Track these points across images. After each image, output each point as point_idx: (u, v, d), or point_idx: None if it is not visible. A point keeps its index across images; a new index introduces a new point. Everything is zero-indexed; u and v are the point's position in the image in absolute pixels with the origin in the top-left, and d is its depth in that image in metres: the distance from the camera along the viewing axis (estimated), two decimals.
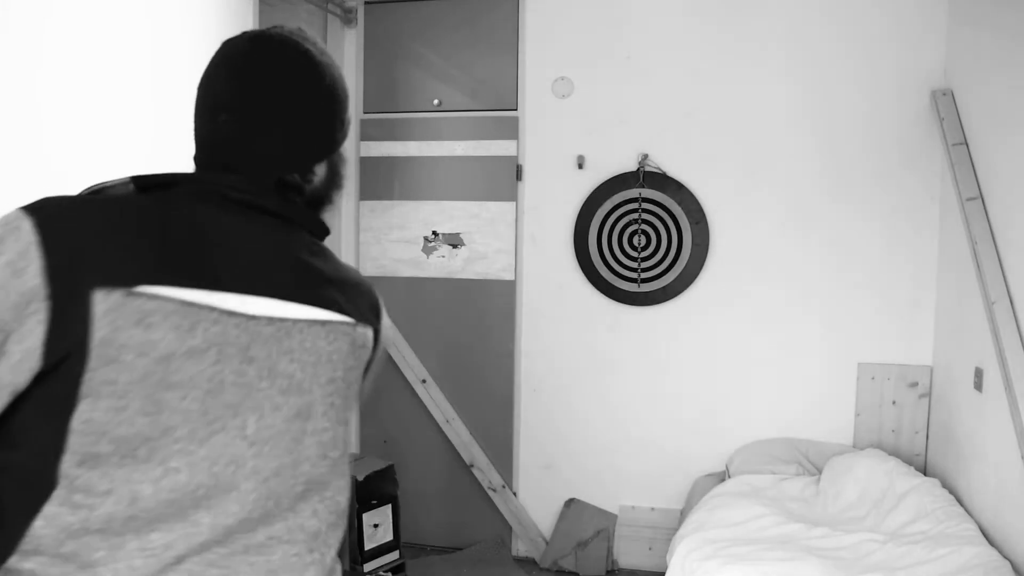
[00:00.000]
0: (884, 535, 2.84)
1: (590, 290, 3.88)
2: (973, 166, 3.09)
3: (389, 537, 3.50)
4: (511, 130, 3.92)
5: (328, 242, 1.16)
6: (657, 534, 3.81)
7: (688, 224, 3.75)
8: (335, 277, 1.09)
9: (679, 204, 3.76)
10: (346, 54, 4.10)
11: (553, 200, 3.91)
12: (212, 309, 0.94)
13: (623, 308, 3.86)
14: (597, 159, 3.84)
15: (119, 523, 0.90)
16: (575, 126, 3.86)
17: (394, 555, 3.51)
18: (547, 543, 3.92)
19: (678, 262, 3.77)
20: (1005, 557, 2.61)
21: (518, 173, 3.93)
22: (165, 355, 0.90)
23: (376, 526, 3.45)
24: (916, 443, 3.56)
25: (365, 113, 4.09)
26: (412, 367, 4.02)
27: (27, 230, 0.88)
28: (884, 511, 3.03)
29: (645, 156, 3.79)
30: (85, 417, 0.88)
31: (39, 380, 0.88)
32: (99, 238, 0.91)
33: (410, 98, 4.04)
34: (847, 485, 3.19)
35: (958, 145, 3.16)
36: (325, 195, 1.12)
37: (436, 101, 4.01)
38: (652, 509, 3.85)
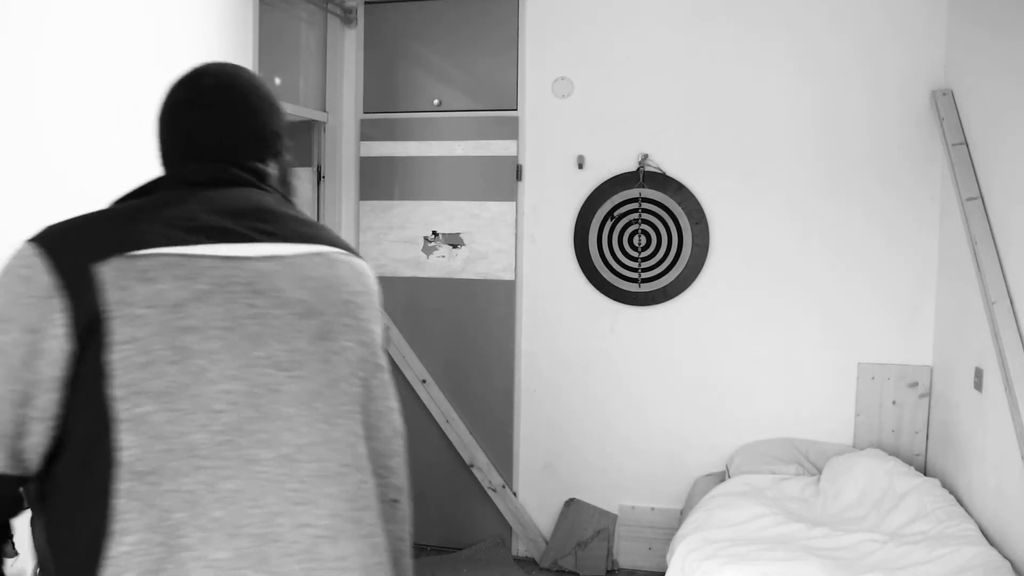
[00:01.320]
0: (884, 535, 2.84)
1: (590, 290, 3.88)
2: (973, 166, 3.09)
3: None
4: (511, 130, 3.92)
5: None
6: (657, 534, 3.81)
7: (688, 224, 3.75)
8: (314, 223, 1.21)
9: (679, 204, 3.76)
10: (346, 54, 4.10)
11: (553, 200, 3.91)
12: (208, 257, 1.03)
13: (623, 308, 3.86)
14: (597, 159, 3.84)
15: (189, 479, 0.96)
16: (575, 126, 3.86)
17: None
18: (547, 543, 3.92)
19: (678, 262, 3.77)
20: (1005, 557, 2.61)
21: (518, 173, 3.93)
22: (175, 303, 0.99)
23: None
24: (916, 443, 3.56)
25: (365, 113, 4.09)
26: (412, 367, 4.02)
27: (28, 248, 1.01)
28: (884, 511, 3.03)
29: (645, 156, 3.79)
30: (121, 381, 0.95)
31: (78, 360, 0.96)
32: (90, 228, 1.03)
33: (410, 98, 4.04)
34: (847, 485, 3.19)
35: (958, 145, 3.16)
36: (283, 190, 1.26)
37: (436, 101, 4.01)
38: (652, 509, 3.85)
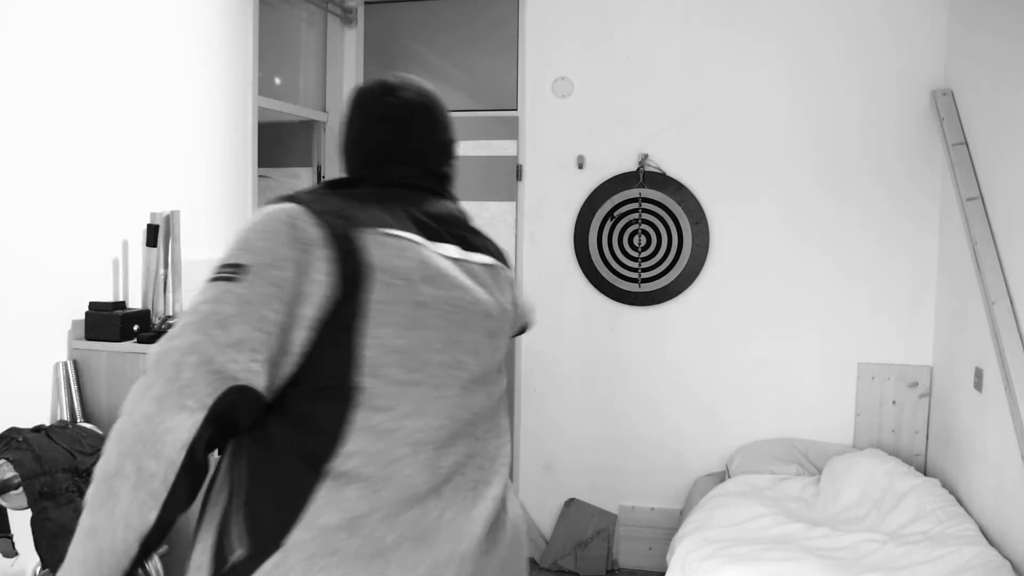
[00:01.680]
0: (884, 535, 2.84)
1: (590, 290, 3.88)
2: (973, 166, 3.09)
3: None
4: (511, 130, 3.92)
5: None
6: (657, 534, 3.81)
7: (688, 224, 3.75)
8: (483, 234, 1.40)
9: (679, 204, 3.76)
10: (346, 54, 4.10)
11: (553, 200, 3.91)
12: (430, 249, 1.21)
13: (623, 308, 3.86)
14: (597, 159, 3.84)
15: (410, 422, 1.14)
16: (575, 126, 3.86)
17: None
18: (547, 543, 3.92)
19: (678, 262, 3.77)
20: (1005, 557, 2.61)
21: (518, 173, 3.93)
22: (415, 280, 1.16)
23: None
24: (916, 443, 3.56)
25: None
26: None
27: (290, 207, 1.13)
28: (884, 511, 3.03)
29: (645, 156, 3.79)
30: (372, 333, 1.11)
31: (332, 307, 1.09)
32: (335, 202, 1.17)
33: None
34: (847, 485, 3.19)
35: (958, 145, 3.16)
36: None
37: None
38: (652, 509, 3.85)
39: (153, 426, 1.00)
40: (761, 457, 3.54)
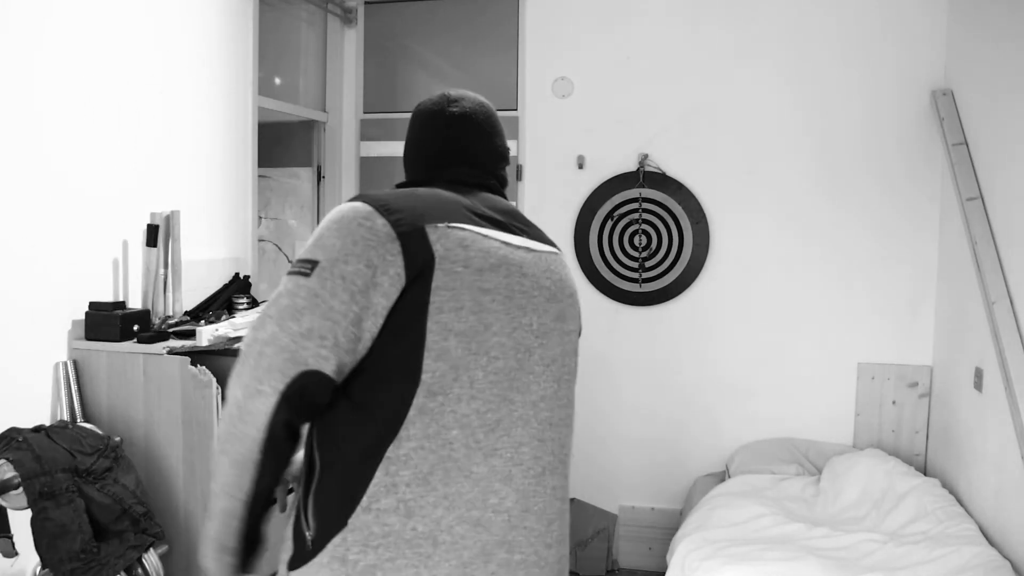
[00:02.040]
0: (884, 535, 2.84)
1: (590, 290, 3.88)
2: (973, 166, 3.09)
3: None
4: (511, 130, 3.92)
5: None
6: (657, 534, 3.81)
7: (689, 224, 3.75)
8: (539, 228, 1.48)
9: (679, 204, 3.76)
10: (346, 54, 4.10)
11: (553, 200, 3.91)
12: (494, 239, 1.30)
13: (624, 308, 3.86)
14: (597, 159, 3.84)
15: (465, 405, 1.21)
16: (575, 126, 3.86)
17: None
18: None
19: (679, 262, 3.77)
20: (1005, 557, 2.61)
21: (518, 173, 3.93)
22: (479, 268, 1.25)
23: None
24: (916, 443, 3.56)
25: (365, 113, 4.09)
26: None
27: (360, 206, 1.24)
28: (884, 511, 3.03)
29: (645, 156, 3.79)
30: (436, 317, 1.20)
31: (401, 296, 1.19)
32: (405, 200, 1.27)
33: (410, 98, 4.04)
34: (847, 485, 3.19)
35: (958, 145, 3.16)
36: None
37: None
38: (652, 509, 3.85)
39: (239, 410, 1.16)
40: (761, 457, 3.54)
